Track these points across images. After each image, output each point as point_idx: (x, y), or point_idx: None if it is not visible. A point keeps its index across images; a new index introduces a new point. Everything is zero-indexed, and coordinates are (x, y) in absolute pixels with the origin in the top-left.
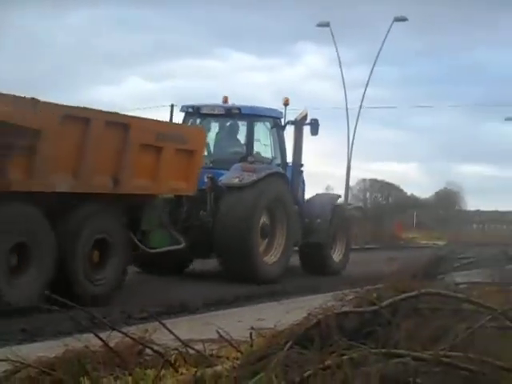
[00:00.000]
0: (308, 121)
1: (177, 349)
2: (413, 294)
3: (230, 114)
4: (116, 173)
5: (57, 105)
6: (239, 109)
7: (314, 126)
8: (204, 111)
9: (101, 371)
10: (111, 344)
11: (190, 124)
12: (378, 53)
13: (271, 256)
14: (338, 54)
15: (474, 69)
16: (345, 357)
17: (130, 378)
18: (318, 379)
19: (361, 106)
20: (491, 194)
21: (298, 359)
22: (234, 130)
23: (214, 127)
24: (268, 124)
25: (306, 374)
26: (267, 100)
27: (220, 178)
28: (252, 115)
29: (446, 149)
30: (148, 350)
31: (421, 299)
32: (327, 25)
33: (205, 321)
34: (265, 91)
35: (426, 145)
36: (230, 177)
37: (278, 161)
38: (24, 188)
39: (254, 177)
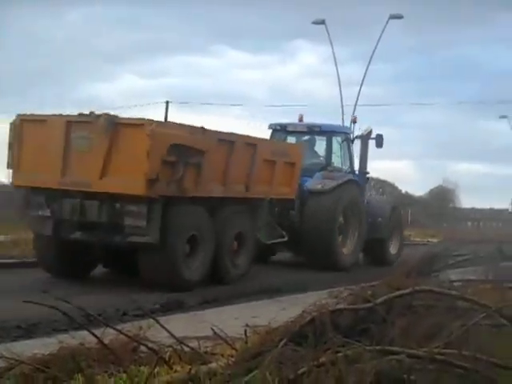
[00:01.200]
0: (373, 135)
1: (171, 346)
2: (407, 291)
3: (312, 131)
4: (247, 181)
5: (215, 131)
6: (320, 127)
7: (379, 140)
8: (290, 129)
9: (95, 368)
10: (106, 341)
11: (276, 139)
12: (374, 51)
13: (346, 249)
14: (333, 51)
15: (468, 66)
16: (339, 354)
17: (124, 375)
18: (313, 376)
19: (356, 105)
20: (486, 192)
21: (292, 356)
22: (314, 144)
23: (298, 142)
24: (339, 139)
25: (300, 371)
26: (261, 97)
27: (305, 184)
28: (330, 132)
29: (441, 146)
30: (142, 348)
31: (415, 297)
32: (322, 22)
33: (200, 318)
34: (259, 88)
35: (420, 142)
36: (314, 183)
37: (348, 169)
38: (194, 193)
39: (334, 183)
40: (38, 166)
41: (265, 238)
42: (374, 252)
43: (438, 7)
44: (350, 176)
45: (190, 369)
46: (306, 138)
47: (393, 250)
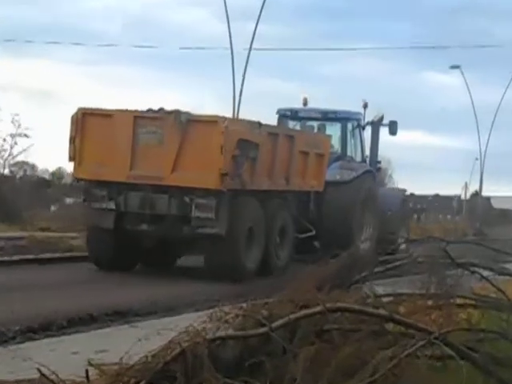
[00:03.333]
0: (386, 122)
1: None
2: (317, 310)
3: (327, 117)
4: (287, 174)
5: (267, 125)
6: (335, 113)
7: (393, 127)
8: (302, 115)
9: None
10: None
11: (284, 125)
12: None
13: (364, 243)
14: None
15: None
16: None
17: None
18: None
19: (251, 48)
20: (429, 172)
21: None
22: (324, 131)
23: (310, 129)
24: (351, 125)
25: None
26: (115, 34)
27: None
28: (345, 118)
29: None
30: None
31: (328, 318)
32: None
33: (24, 353)
34: (115, 21)
35: (337, 102)
36: (332, 174)
37: (359, 158)
38: (250, 187)
39: (353, 174)
40: (103, 159)
41: (296, 231)
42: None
43: None
44: (367, 166)
45: None
46: (322, 125)
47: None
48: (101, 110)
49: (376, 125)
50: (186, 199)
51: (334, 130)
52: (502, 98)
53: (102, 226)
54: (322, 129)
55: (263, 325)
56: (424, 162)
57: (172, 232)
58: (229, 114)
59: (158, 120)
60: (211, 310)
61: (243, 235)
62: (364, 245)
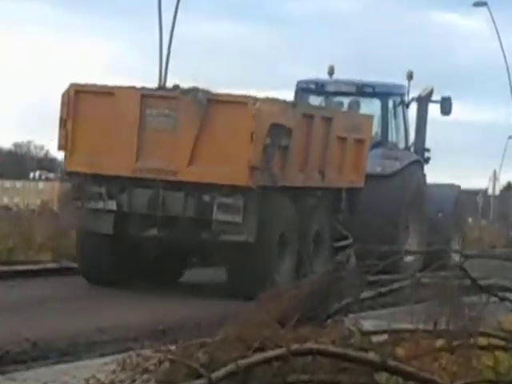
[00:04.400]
0: (436, 98)
1: None
2: (277, 352)
3: (362, 92)
4: (322, 166)
5: (302, 104)
6: (373, 87)
7: (446, 105)
8: (330, 89)
9: None
10: None
11: (306, 102)
12: None
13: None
14: None
15: None
16: None
17: None
18: None
19: None
20: (443, 156)
21: None
22: (359, 109)
23: (340, 107)
24: (392, 102)
25: None
26: None
27: None
28: (386, 93)
29: (350, 59)
30: None
31: (293, 364)
32: None
33: None
34: None
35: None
36: (371, 164)
37: (403, 144)
38: (281, 183)
39: (398, 165)
40: (102, 148)
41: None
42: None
43: None
44: (414, 155)
45: None
46: (357, 102)
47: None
48: (99, 86)
49: (424, 101)
50: (206, 198)
51: (370, 108)
52: None
53: (99, 230)
54: (354, 106)
55: (199, 375)
56: (436, 141)
57: (188, 238)
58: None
59: (171, 100)
60: (123, 354)
61: (274, 243)
62: (409, 258)
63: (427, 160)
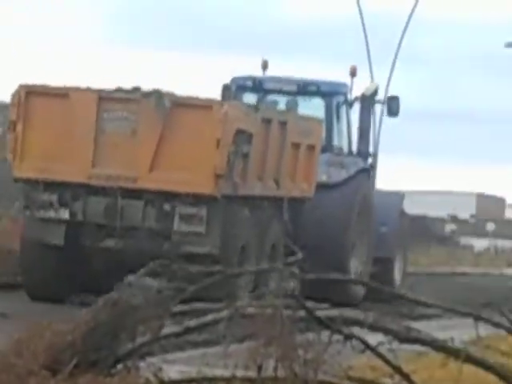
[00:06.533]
0: (380, 97)
1: None
2: None
3: (305, 91)
4: (277, 174)
5: (263, 108)
6: (317, 85)
7: (393, 105)
8: (269, 87)
9: None
10: None
11: (243, 101)
12: None
13: (353, 268)
14: None
15: None
16: None
17: None
18: None
19: None
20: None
21: None
22: (296, 109)
23: (273, 106)
24: (335, 102)
25: None
26: None
27: None
28: (330, 93)
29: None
30: None
31: None
32: None
33: None
34: None
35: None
36: None
37: (346, 149)
38: (242, 191)
39: (344, 173)
40: (54, 153)
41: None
42: (377, 279)
43: None
44: (363, 163)
45: None
46: (298, 102)
47: (398, 276)
48: (52, 87)
49: (368, 101)
50: (167, 207)
51: (310, 108)
52: None
53: (50, 241)
54: (292, 106)
55: None
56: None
57: (147, 250)
58: None
59: (130, 102)
60: None
61: (236, 256)
62: (356, 273)
63: (372, 167)
